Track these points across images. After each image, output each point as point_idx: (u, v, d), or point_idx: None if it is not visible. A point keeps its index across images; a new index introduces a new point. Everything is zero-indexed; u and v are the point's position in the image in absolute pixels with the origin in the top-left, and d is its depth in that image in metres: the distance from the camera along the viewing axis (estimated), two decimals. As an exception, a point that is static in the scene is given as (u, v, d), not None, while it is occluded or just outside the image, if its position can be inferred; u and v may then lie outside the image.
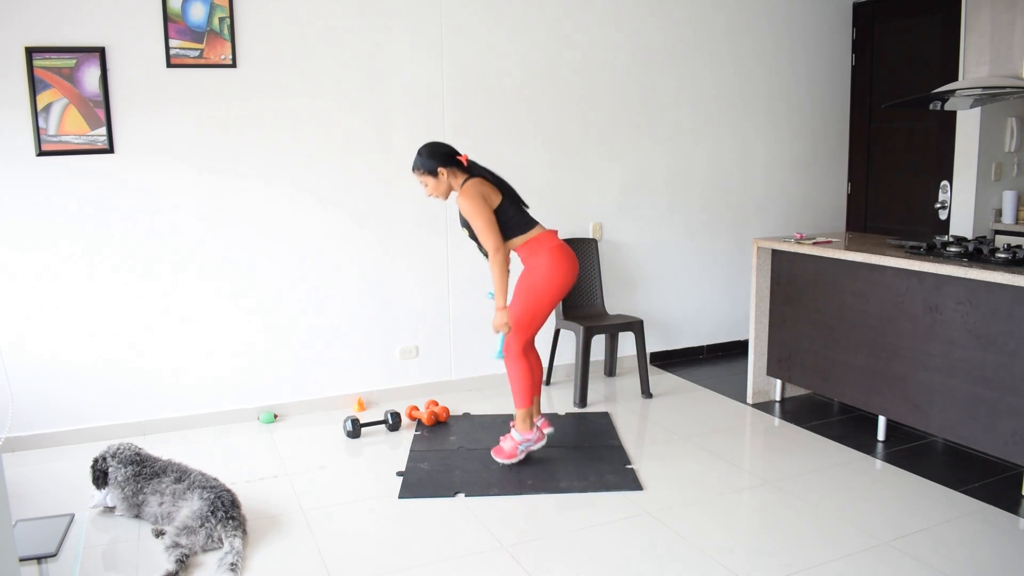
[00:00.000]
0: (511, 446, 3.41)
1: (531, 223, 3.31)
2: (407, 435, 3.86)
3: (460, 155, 3.23)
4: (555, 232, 3.37)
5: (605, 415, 4.08)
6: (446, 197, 3.33)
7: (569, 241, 4.63)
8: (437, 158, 3.19)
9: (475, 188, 3.17)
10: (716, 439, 3.75)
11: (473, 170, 3.26)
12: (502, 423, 3.88)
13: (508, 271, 3.26)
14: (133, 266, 3.79)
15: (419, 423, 3.99)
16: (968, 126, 4.45)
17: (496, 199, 3.22)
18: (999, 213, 4.53)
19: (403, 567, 2.65)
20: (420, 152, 3.23)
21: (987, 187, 4.48)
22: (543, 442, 3.46)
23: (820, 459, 3.49)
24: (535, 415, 3.51)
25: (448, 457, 3.55)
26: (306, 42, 3.95)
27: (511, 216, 3.24)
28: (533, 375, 3.44)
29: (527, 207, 3.38)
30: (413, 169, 3.27)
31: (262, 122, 3.92)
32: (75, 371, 3.75)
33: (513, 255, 3.35)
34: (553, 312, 4.20)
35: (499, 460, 3.42)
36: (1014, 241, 4.17)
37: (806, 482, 3.25)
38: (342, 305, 4.21)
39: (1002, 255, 3.13)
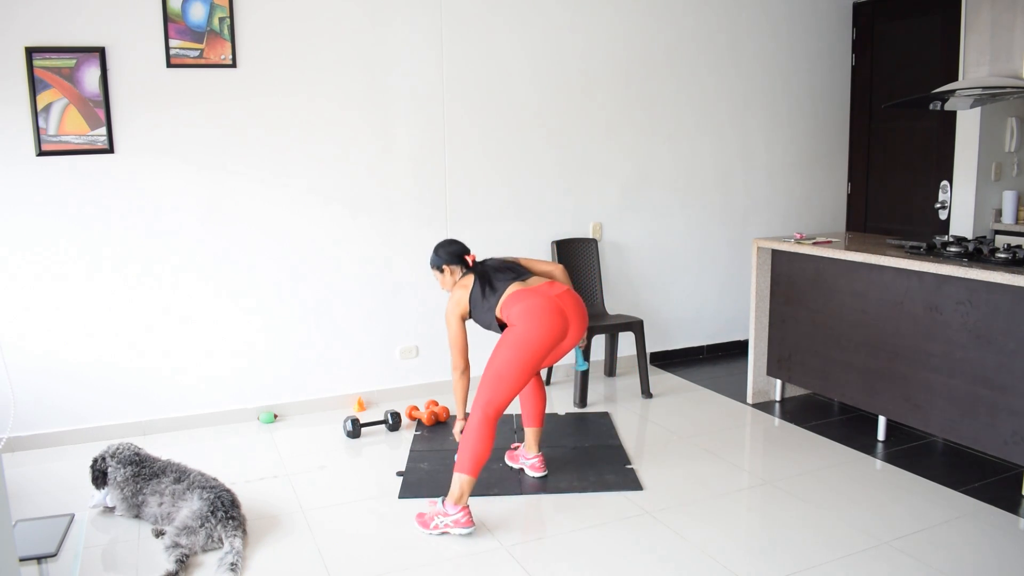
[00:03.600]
0: (430, 516, 2.89)
1: (506, 284, 3.02)
2: (407, 435, 3.86)
3: (469, 255, 3.18)
4: (540, 285, 3.03)
5: (605, 415, 4.08)
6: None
7: (569, 241, 4.63)
8: (443, 256, 3.17)
9: (453, 299, 3.08)
10: (716, 439, 3.75)
11: (476, 268, 3.14)
12: (502, 423, 3.87)
13: (466, 388, 3.09)
14: (133, 266, 3.79)
15: (419, 423, 3.99)
16: (968, 126, 4.45)
17: (467, 309, 3.08)
18: (999, 213, 4.53)
19: (403, 567, 2.65)
20: (434, 248, 3.22)
21: (987, 187, 4.48)
22: (469, 529, 2.82)
23: (820, 459, 3.49)
24: (532, 450, 3.34)
25: (448, 457, 3.55)
26: (306, 41, 3.95)
27: (484, 298, 3.03)
28: (531, 405, 3.31)
29: (511, 272, 3.08)
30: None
31: (262, 122, 3.92)
32: (75, 371, 3.75)
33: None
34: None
35: (416, 526, 2.92)
36: (1014, 241, 4.17)
37: (806, 482, 3.25)
38: (342, 305, 4.21)
39: (1002, 255, 3.13)
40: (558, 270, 3.23)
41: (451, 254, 3.17)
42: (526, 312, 2.93)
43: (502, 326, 3.05)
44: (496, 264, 3.15)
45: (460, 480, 2.84)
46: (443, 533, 2.86)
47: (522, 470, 3.39)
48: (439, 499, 2.92)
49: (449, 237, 3.50)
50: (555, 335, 2.94)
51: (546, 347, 2.94)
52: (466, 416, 3.09)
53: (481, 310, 3.06)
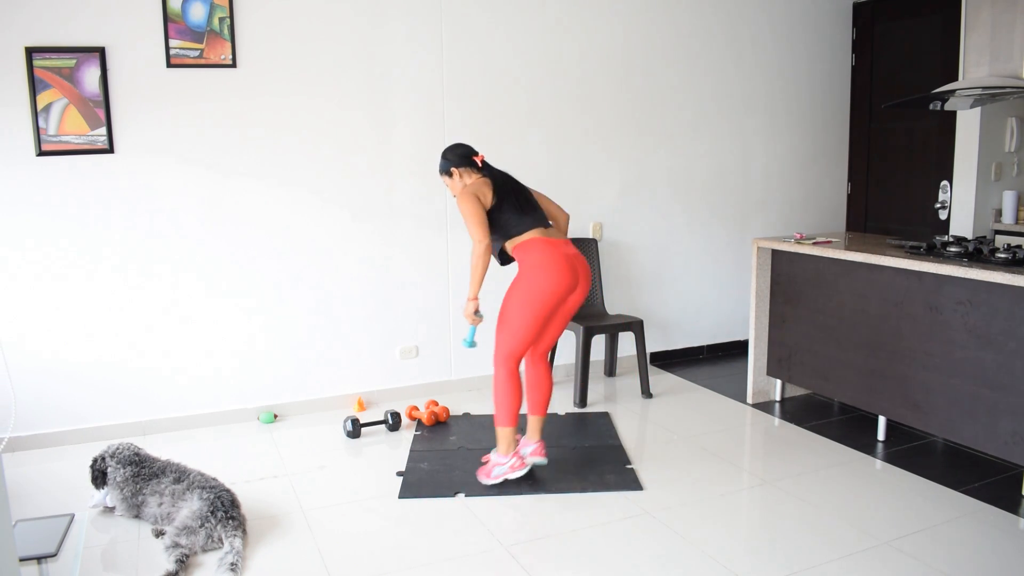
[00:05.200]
0: (489, 468, 3.26)
1: (528, 226, 3.15)
2: (407, 435, 3.86)
3: (477, 155, 3.22)
4: (559, 239, 3.17)
5: (605, 415, 4.08)
6: None
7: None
8: (451, 159, 3.22)
9: (469, 188, 3.16)
10: (716, 439, 3.75)
11: (486, 171, 3.24)
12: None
13: (486, 265, 3.12)
14: (133, 266, 3.79)
15: (419, 423, 3.99)
16: (968, 126, 4.45)
17: (490, 199, 3.15)
18: (999, 213, 4.53)
19: (403, 567, 2.65)
20: (441, 154, 3.27)
21: (987, 187, 4.48)
22: (523, 470, 3.22)
23: (820, 459, 3.49)
24: (533, 437, 3.33)
25: (448, 457, 3.55)
26: (306, 41, 3.95)
27: (507, 219, 3.15)
28: (536, 392, 3.30)
29: (535, 212, 3.21)
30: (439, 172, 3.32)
31: (262, 122, 3.92)
32: (75, 371, 3.75)
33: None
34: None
35: (480, 480, 3.26)
36: (1014, 241, 4.17)
37: (806, 482, 3.25)
38: (342, 305, 4.21)
39: (1002, 255, 3.13)
40: (564, 219, 3.38)
41: (459, 156, 3.21)
42: (542, 264, 3.07)
43: (503, 255, 3.17)
44: (515, 186, 3.23)
45: (503, 433, 3.19)
46: (504, 480, 3.20)
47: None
48: (492, 451, 3.28)
49: (455, 142, 3.45)
50: (564, 289, 3.11)
51: (557, 299, 3.11)
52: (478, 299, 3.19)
53: (501, 217, 3.12)
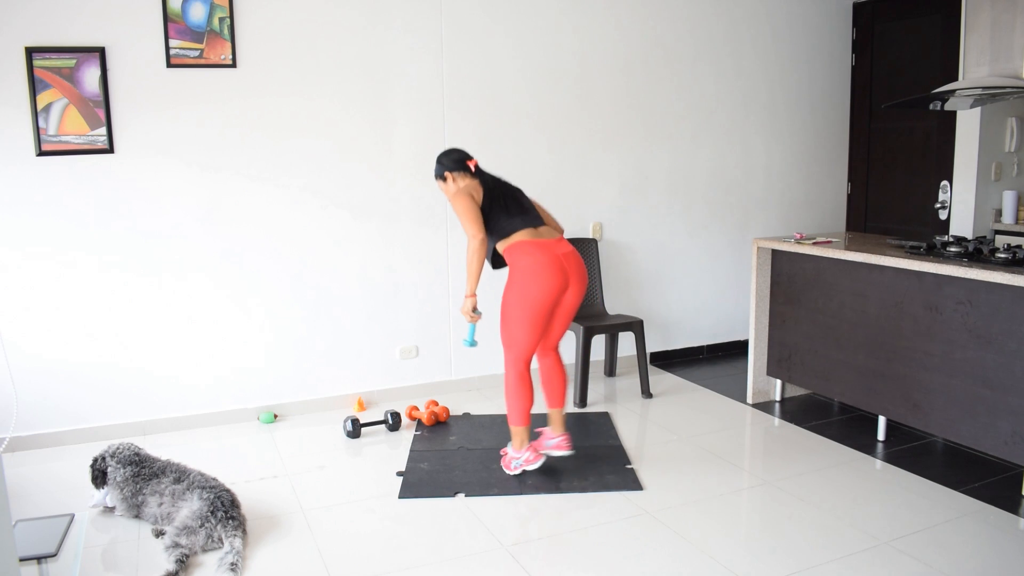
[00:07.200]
0: (508, 461, 3.37)
1: (517, 226, 3.15)
2: (407, 435, 3.86)
3: (471, 160, 3.23)
4: (550, 239, 3.17)
5: (605, 415, 4.08)
6: None
7: (569, 241, 4.62)
8: (445, 163, 3.23)
9: (462, 188, 3.18)
10: (716, 439, 3.75)
11: (479, 176, 3.24)
12: (502, 423, 3.87)
13: (482, 260, 3.13)
14: (133, 266, 3.79)
15: (419, 423, 3.99)
16: (968, 126, 4.45)
17: (480, 201, 3.16)
18: (999, 213, 4.53)
19: (403, 567, 2.65)
20: (436, 159, 3.29)
21: (987, 187, 4.48)
22: (539, 462, 3.29)
23: (820, 459, 3.49)
24: (557, 429, 3.39)
25: (448, 457, 3.55)
26: (306, 41, 3.95)
27: (495, 220, 3.16)
28: (551, 385, 3.37)
29: (525, 213, 3.21)
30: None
31: (262, 122, 3.92)
32: (75, 371, 3.75)
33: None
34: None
35: (504, 470, 3.37)
36: (1014, 241, 4.16)
37: (806, 482, 3.25)
38: (342, 305, 4.21)
39: (1002, 255, 3.13)
40: (558, 232, 3.33)
41: (453, 161, 3.23)
42: (531, 270, 3.08)
43: (496, 258, 3.18)
44: (504, 187, 3.25)
45: (516, 432, 3.27)
46: (523, 471, 3.31)
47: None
48: (508, 446, 3.37)
49: (450, 147, 3.46)
50: (556, 290, 3.12)
51: (551, 300, 3.13)
52: (474, 298, 3.21)
53: (489, 219, 3.13)
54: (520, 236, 3.14)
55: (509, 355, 3.21)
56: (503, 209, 3.18)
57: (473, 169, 3.23)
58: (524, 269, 3.11)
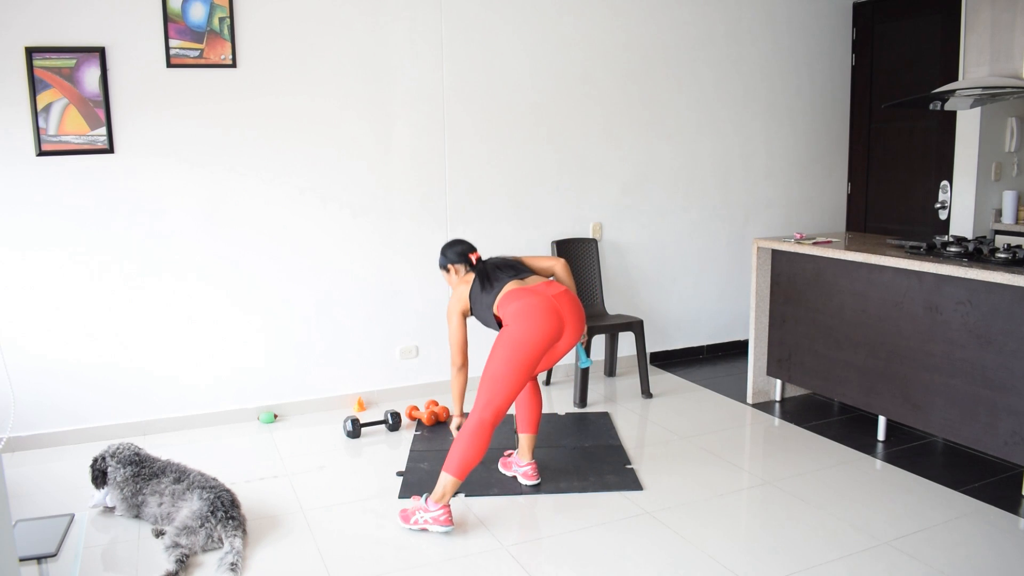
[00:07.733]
0: (412, 510, 2.92)
1: (504, 281, 3.02)
2: (407, 435, 3.86)
3: (473, 252, 3.19)
4: (538, 284, 3.02)
5: (605, 415, 4.08)
6: None
7: (569, 241, 4.64)
8: (448, 255, 3.20)
9: (455, 296, 3.11)
10: (716, 439, 3.75)
11: (479, 266, 3.14)
12: (503, 423, 3.87)
13: (462, 386, 3.07)
14: (133, 266, 3.79)
15: (419, 423, 3.99)
16: (968, 126, 4.45)
17: (467, 299, 3.09)
18: (999, 213, 4.53)
19: (403, 567, 2.65)
20: (441, 249, 3.25)
21: (987, 187, 4.48)
22: (448, 528, 2.86)
23: (820, 459, 3.49)
24: (525, 456, 3.28)
25: (448, 457, 3.55)
26: (306, 41, 3.95)
27: (480, 289, 3.05)
28: (526, 411, 3.28)
29: (511, 269, 3.09)
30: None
31: (262, 122, 3.92)
32: (75, 371, 3.75)
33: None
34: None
35: (399, 520, 2.94)
36: (1014, 241, 4.17)
37: (806, 482, 3.25)
38: (342, 305, 4.21)
39: (1002, 255, 3.13)
40: (559, 265, 3.22)
41: (456, 253, 3.20)
42: (520, 312, 2.93)
43: (500, 324, 3.05)
44: (497, 262, 3.17)
45: (445, 480, 2.85)
46: (422, 529, 2.88)
47: (515, 477, 3.34)
48: (423, 495, 2.94)
49: (456, 237, 3.50)
50: (550, 336, 2.92)
51: (541, 348, 2.92)
52: (464, 415, 3.09)
53: (480, 306, 3.07)
54: (507, 287, 3.02)
55: (480, 404, 2.88)
56: (485, 277, 3.07)
57: (474, 261, 3.15)
58: (514, 314, 2.92)
